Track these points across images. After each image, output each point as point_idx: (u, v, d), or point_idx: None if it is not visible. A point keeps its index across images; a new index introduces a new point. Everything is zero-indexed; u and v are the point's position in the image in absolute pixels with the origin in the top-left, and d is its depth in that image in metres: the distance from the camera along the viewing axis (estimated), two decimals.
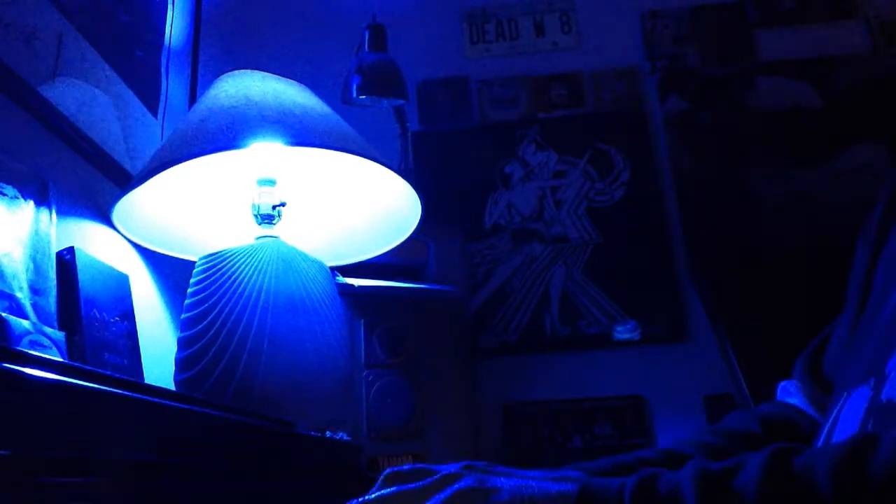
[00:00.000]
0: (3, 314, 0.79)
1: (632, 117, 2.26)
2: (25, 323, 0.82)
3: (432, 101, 2.32)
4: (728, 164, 2.08)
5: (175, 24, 1.55)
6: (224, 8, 2.00)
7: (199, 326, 1.02)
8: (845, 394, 0.54)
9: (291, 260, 1.10)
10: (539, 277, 2.15)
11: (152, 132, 1.38)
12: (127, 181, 1.16)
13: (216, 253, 1.09)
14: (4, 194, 0.88)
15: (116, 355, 1.01)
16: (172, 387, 1.03)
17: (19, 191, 0.91)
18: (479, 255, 2.17)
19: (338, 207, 1.31)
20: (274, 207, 1.16)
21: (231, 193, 1.24)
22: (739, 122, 2.13)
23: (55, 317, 0.91)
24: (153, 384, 0.70)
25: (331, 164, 1.20)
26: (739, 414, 0.74)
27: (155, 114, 1.40)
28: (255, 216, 1.15)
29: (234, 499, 0.72)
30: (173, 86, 1.51)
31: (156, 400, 0.61)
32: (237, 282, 1.04)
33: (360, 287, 1.55)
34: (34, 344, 0.81)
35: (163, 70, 1.47)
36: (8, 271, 0.84)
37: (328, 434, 1.13)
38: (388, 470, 0.51)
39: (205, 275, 1.07)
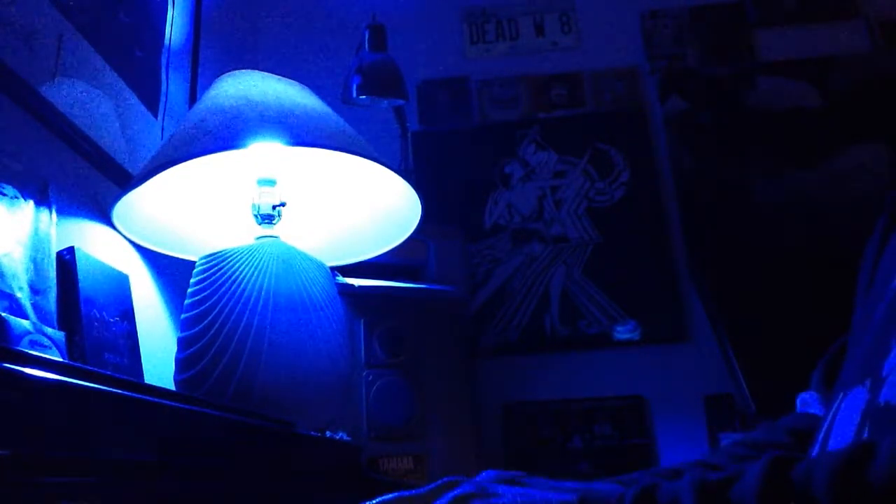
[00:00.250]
0: (3, 314, 0.79)
1: (632, 117, 2.26)
2: (25, 323, 0.82)
3: (432, 101, 2.32)
4: (728, 164, 2.08)
5: (175, 24, 1.55)
6: (224, 8, 2.00)
7: (199, 326, 1.02)
8: (841, 394, 0.54)
9: (291, 260, 1.10)
10: (539, 277, 2.15)
11: (152, 132, 1.38)
12: (127, 181, 1.16)
13: (216, 253, 1.09)
14: (4, 194, 0.88)
15: (116, 355, 1.01)
16: (172, 387, 1.03)
17: (19, 191, 0.91)
18: (479, 255, 2.17)
19: (338, 207, 1.31)
20: (274, 207, 1.16)
21: (231, 193, 1.24)
22: (739, 122, 2.13)
23: (55, 317, 0.91)
24: (153, 384, 0.71)
25: (331, 164, 1.20)
26: (767, 426, 0.74)
27: (155, 114, 1.40)
28: (255, 216, 1.15)
29: (234, 499, 0.72)
30: (173, 86, 1.51)
31: (156, 400, 0.61)
32: (237, 282, 1.04)
33: (360, 287, 1.55)
34: (34, 344, 0.81)
35: (163, 70, 1.47)
36: (8, 271, 0.84)
37: (328, 434, 1.13)
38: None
39: (205, 275, 1.07)
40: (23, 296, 0.86)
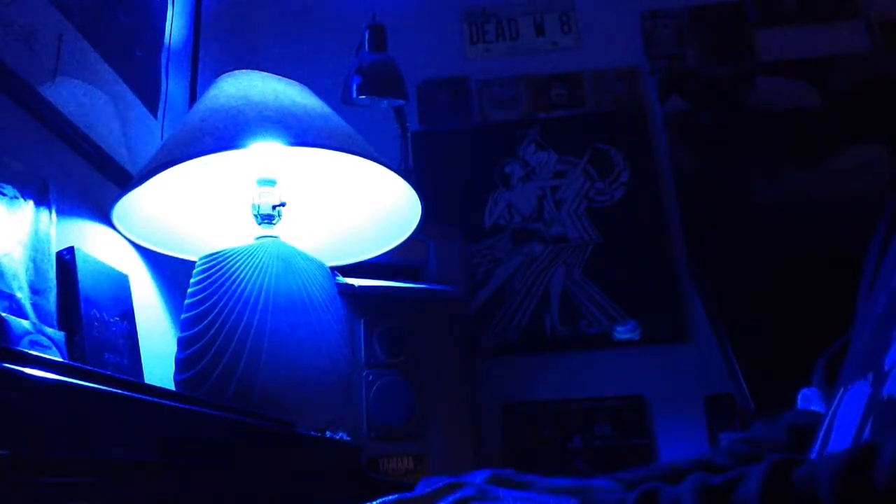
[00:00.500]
0: (3, 314, 0.79)
1: (632, 117, 2.26)
2: (25, 323, 0.82)
3: (432, 101, 2.32)
4: (728, 164, 2.08)
5: (175, 24, 1.55)
6: (224, 8, 2.00)
7: (199, 326, 1.02)
8: (842, 389, 0.54)
9: (291, 260, 1.10)
10: (539, 277, 2.15)
11: (152, 132, 1.38)
12: (127, 181, 1.16)
13: (216, 253, 1.09)
14: (4, 194, 0.88)
15: (116, 355, 1.01)
16: (172, 387, 1.03)
17: (19, 191, 0.91)
18: (479, 255, 2.17)
19: (338, 207, 1.31)
20: (274, 207, 1.16)
21: (231, 193, 1.24)
22: (739, 122, 2.13)
23: (55, 317, 0.91)
24: (153, 384, 0.71)
25: (331, 164, 1.20)
26: (766, 424, 0.74)
27: (155, 114, 1.40)
28: (255, 216, 1.15)
29: (234, 499, 0.72)
30: (173, 86, 1.51)
31: (156, 400, 0.61)
32: (237, 282, 1.04)
33: (360, 287, 1.55)
34: (34, 344, 0.81)
35: (163, 70, 1.47)
36: (8, 271, 0.84)
37: (328, 434, 1.13)
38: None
39: (205, 275, 1.07)
40: (23, 296, 0.86)
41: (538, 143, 2.27)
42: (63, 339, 0.87)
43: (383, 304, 1.58)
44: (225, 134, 1.03)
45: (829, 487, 0.36)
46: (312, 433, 1.05)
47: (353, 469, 1.09)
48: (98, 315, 0.99)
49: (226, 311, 1.02)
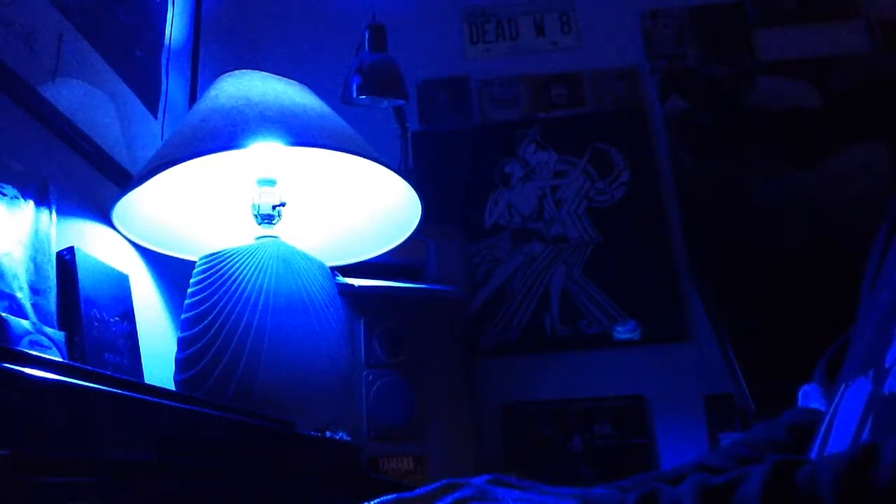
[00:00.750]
0: (3, 314, 0.79)
1: (632, 117, 2.26)
2: (25, 323, 0.82)
3: (432, 101, 2.32)
4: (728, 164, 2.08)
5: (175, 24, 1.55)
6: (224, 8, 2.00)
7: (199, 326, 1.02)
8: (843, 385, 0.54)
9: (291, 260, 1.10)
10: (539, 277, 2.15)
11: (152, 132, 1.38)
12: (127, 181, 1.16)
13: (216, 253, 1.09)
14: (4, 194, 0.88)
15: (116, 355, 1.01)
16: (172, 387, 1.03)
17: (19, 191, 0.91)
18: (479, 255, 2.17)
19: (338, 207, 1.31)
20: (274, 207, 1.16)
21: (231, 193, 1.24)
22: (739, 122, 2.13)
23: (55, 317, 0.91)
24: (153, 384, 0.70)
25: (331, 164, 1.20)
26: (766, 424, 0.74)
27: (155, 114, 1.40)
28: (255, 216, 1.15)
29: (234, 499, 0.72)
30: (173, 86, 1.51)
31: (156, 400, 0.61)
32: (237, 282, 1.04)
33: (360, 287, 1.55)
34: (34, 344, 0.81)
35: (163, 70, 1.47)
36: (8, 271, 0.84)
37: (328, 434, 1.13)
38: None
39: (205, 275, 1.07)
40: (23, 296, 0.86)
41: (538, 142, 2.27)
42: (63, 340, 0.87)
43: (383, 304, 1.58)
44: (225, 134, 1.03)
45: (830, 487, 0.36)
46: (312, 433, 1.05)
47: (353, 469, 1.09)
48: (98, 315, 0.99)
49: (226, 311, 1.02)
